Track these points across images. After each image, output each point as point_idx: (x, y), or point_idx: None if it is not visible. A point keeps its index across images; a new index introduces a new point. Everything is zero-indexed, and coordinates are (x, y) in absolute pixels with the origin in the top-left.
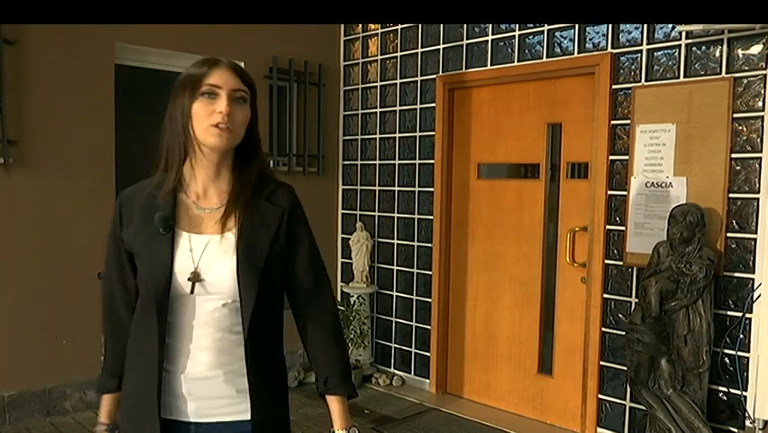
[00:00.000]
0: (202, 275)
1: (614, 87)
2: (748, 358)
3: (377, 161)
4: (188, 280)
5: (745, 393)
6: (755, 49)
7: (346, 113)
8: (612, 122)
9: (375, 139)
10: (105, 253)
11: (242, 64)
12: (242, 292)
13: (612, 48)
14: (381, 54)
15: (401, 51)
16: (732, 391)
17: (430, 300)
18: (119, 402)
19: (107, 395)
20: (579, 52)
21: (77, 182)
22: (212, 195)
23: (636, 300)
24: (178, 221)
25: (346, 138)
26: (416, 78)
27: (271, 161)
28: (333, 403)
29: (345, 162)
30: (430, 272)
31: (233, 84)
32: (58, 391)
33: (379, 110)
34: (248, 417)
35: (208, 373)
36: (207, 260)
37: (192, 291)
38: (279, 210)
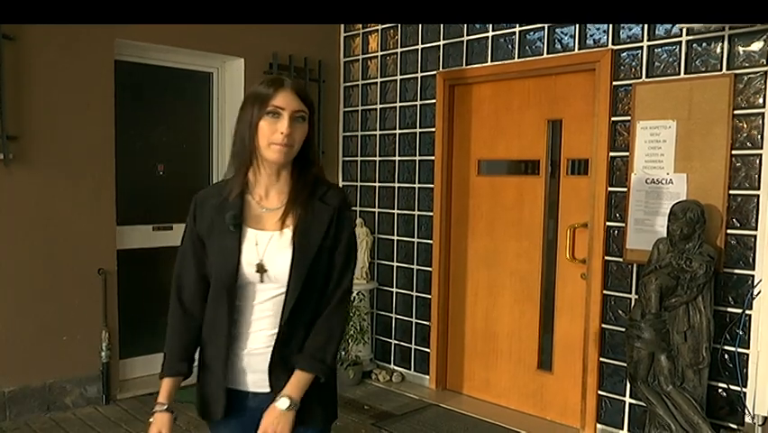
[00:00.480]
0: (266, 266)
1: (614, 83)
2: (748, 354)
3: (377, 158)
4: (256, 271)
5: (744, 390)
6: (756, 45)
7: (346, 109)
8: (612, 118)
9: (375, 135)
10: (179, 249)
11: (242, 60)
12: (290, 281)
13: (613, 44)
14: (381, 50)
15: (401, 48)
16: (731, 387)
17: (430, 297)
18: (178, 386)
19: (168, 379)
20: (579, 49)
21: (76, 178)
22: (273, 196)
23: (636, 297)
24: (244, 219)
25: (346, 134)
26: (416, 75)
27: None
28: (294, 373)
29: (345, 159)
30: (430, 269)
31: (294, 106)
32: (58, 387)
33: (379, 106)
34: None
35: (265, 350)
36: (270, 253)
37: (262, 280)
38: (331, 210)
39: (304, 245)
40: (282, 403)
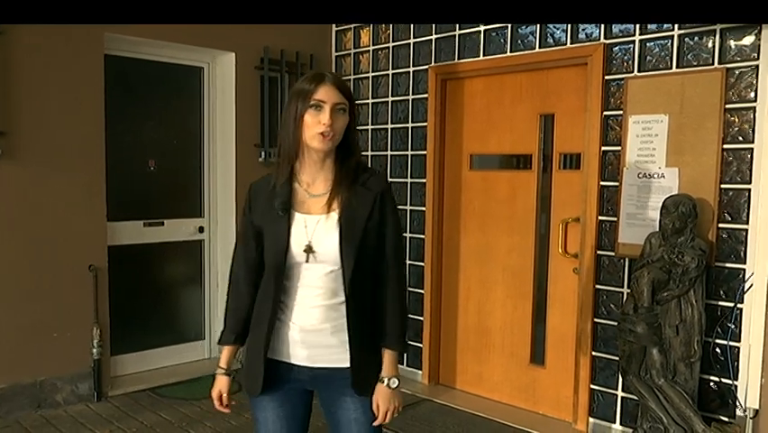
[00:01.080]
0: (314, 247)
1: (606, 77)
2: (739, 348)
3: (368, 153)
4: (304, 251)
5: (735, 383)
6: (748, 39)
7: None
8: (605, 113)
9: (367, 130)
10: (237, 235)
11: (233, 55)
12: (343, 261)
13: (605, 38)
14: (373, 45)
15: (393, 42)
16: (723, 380)
17: (423, 291)
18: (234, 354)
19: (227, 347)
20: (571, 43)
21: (66, 174)
22: (319, 183)
23: (628, 291)
24: (293, 205)
25: None
26: (408, 69)
27: (262, 152)
28: (386, 355)
29: None
30: (422, 264)
31: (335, 99)
32: (49, 384)
33: (370, 101)
34: (348, 364)
35: (320, 327)
36: (318, 235)
37: (308, 261)
38: (373, 194)
39: (349, 227)
40: (393, 382)
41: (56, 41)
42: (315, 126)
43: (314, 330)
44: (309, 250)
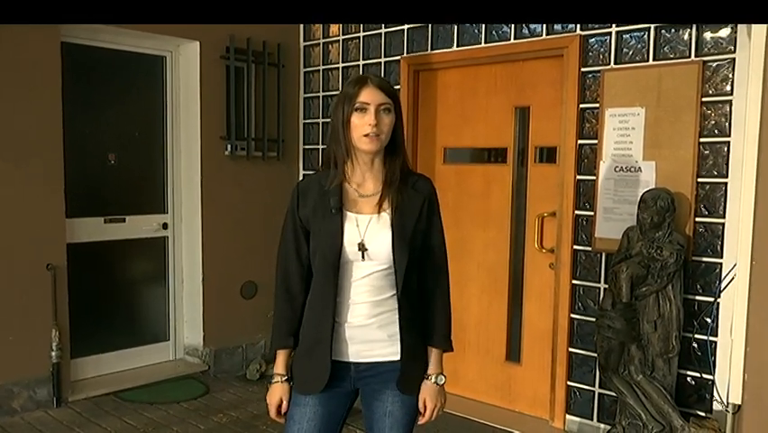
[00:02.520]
0: (366, 245)
1: (583, 69)
2: (716, 342)
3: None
4: (357, 249)
5: (712, 377)
6: (724, 32)
7: (307, 95)
8: (581, 105)
9: None
10: (281, 234)
11: (197, 44)
12: (396, 259)
13: (581, 30)
14: (343, 34)
15: (364, 32)
16: (700, 375)
17: None
18: (289, 358)
19: (283, 351)
20: (547, 34)
21: (22, 168)
22: (369, 184)
23: (606, 286)
24: (344, 204)
25: (307, 121)
26: (379, 60)
27: (229, 145)
28: (432, 353)
29: (306, 147)
30: None
31: (379, 99)
32: (4, 391)
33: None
34: (398, 357)
35: (366, 322)
36: (370, 234)
37: (363, 258)
38: (422, 197)
39: (401, 226)
40: (440, 379)
41: (8, 27)
42: (362, 128)
43: (360, 326)
44: (362, 248)
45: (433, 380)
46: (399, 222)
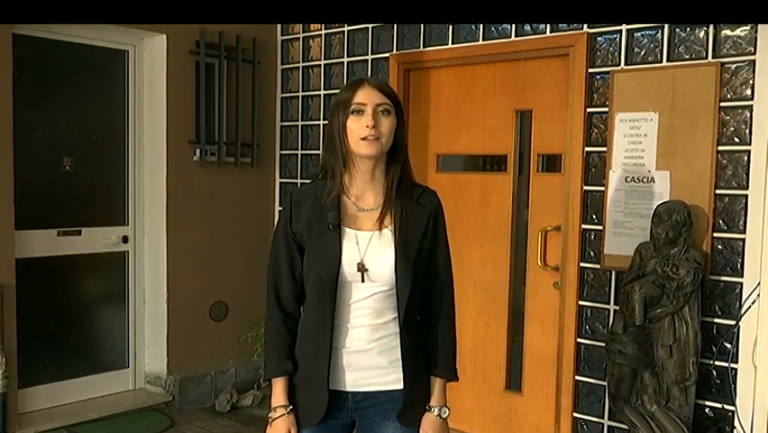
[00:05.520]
0: (366, 265)
1: (590, 70)
2: (737, 370)
3: (320, 151)
4: (357, 270)
5: (733, 408)
6: (742, 30)
7: (284, 95)
8: (588, 109)
9: (318, 125)
10: (272, 248)
11: (164, 37)
12: (398, 281)
13: (588, 27)
14: (325, 28)
15: (348, 25)
16: (721, 406)
17: None
18: (287, 385)
19: (281, 378)
20: (551, 31)
21: None
22: (369, 197)
23: (616, 308)
24: (342, 219)
25: (284, 124)
26: (365, 57)
27: (198, 150)
28: (435, 383)
29: (283, 152)
30: None
31: (376, 99)
32: None
33: (322, 92)
34: (399, 386)
35: (365, 347)
36: (371, 253)
37: (363, 280)
38: (427, 211)
39: (406, 245)
40: (444, 412)
41: None
42: (359, 131)
43: (359, 351)
44: (362, 268)
45: (436, 412)
46: (403, 240)
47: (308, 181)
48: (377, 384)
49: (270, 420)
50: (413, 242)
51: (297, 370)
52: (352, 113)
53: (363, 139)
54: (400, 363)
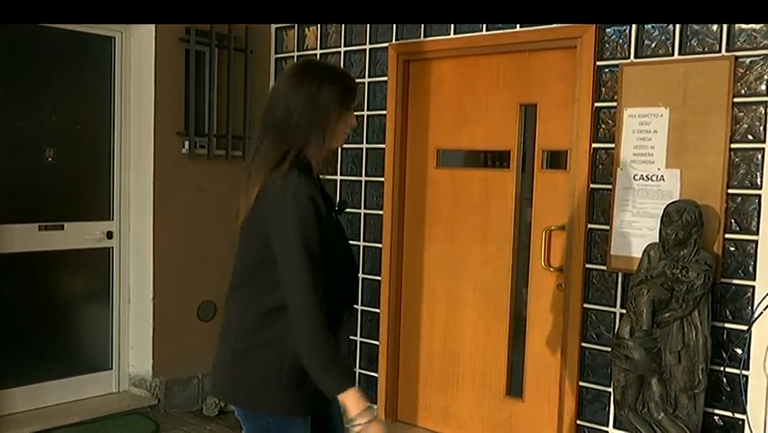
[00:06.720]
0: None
1: (598, 63)
2: (748, 377)
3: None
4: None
5: (744, 417)
6: (757, 24)
7: None
8: (596, 104)
9: None
10: (311, 252)
11: (152, 24)
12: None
13: None
14: None
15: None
16: (732, 414)
17: (378, 311)
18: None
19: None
20: (558, 22)
21: None
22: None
23: (623, 311)
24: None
25: None
26: (363, 47)
27: (187, 142)
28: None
29: None
30: (379, 278)
31: None
32: None
33: None
34: None
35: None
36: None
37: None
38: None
39: None
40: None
41: None
42: (350, 127)
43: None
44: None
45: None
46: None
47: None
48: None
49: (372, 419)
50: None
51: None
52: (352, 109)
53: (346, 134)
54: None
